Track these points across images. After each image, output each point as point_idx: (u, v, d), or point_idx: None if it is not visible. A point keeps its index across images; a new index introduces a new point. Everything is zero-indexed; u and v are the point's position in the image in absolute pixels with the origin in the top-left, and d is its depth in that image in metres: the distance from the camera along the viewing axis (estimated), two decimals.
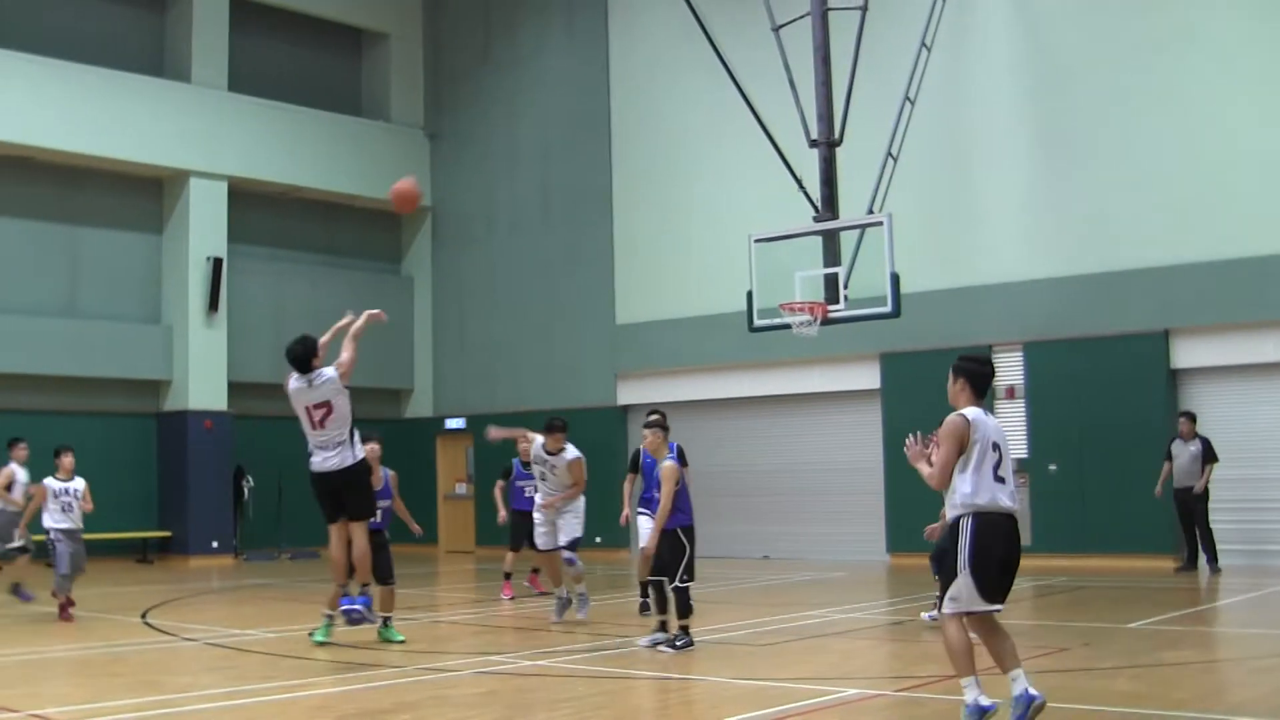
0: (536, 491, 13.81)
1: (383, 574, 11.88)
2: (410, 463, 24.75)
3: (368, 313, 11.72)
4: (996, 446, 7.12)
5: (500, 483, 16.49)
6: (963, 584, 7.03)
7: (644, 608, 13.58)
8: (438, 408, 28.37)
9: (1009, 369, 20.60)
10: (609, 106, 25.56)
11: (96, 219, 24.79)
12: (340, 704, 8.93)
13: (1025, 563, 18.81)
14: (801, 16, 19.76)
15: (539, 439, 13.45)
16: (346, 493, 11.46)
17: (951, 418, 7.16)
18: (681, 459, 11.96)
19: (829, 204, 19.06)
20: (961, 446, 7.06)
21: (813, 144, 19.30)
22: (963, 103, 21.15)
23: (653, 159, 24.83)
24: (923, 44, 19.89)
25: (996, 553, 7.02)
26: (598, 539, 19.91)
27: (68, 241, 24.42)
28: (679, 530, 11.12)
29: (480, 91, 27.61)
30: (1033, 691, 6.92)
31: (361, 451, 11.56)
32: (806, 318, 18.27)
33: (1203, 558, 18.11)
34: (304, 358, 11.32)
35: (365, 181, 27.38)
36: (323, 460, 11.36)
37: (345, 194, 27.48)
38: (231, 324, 25.40)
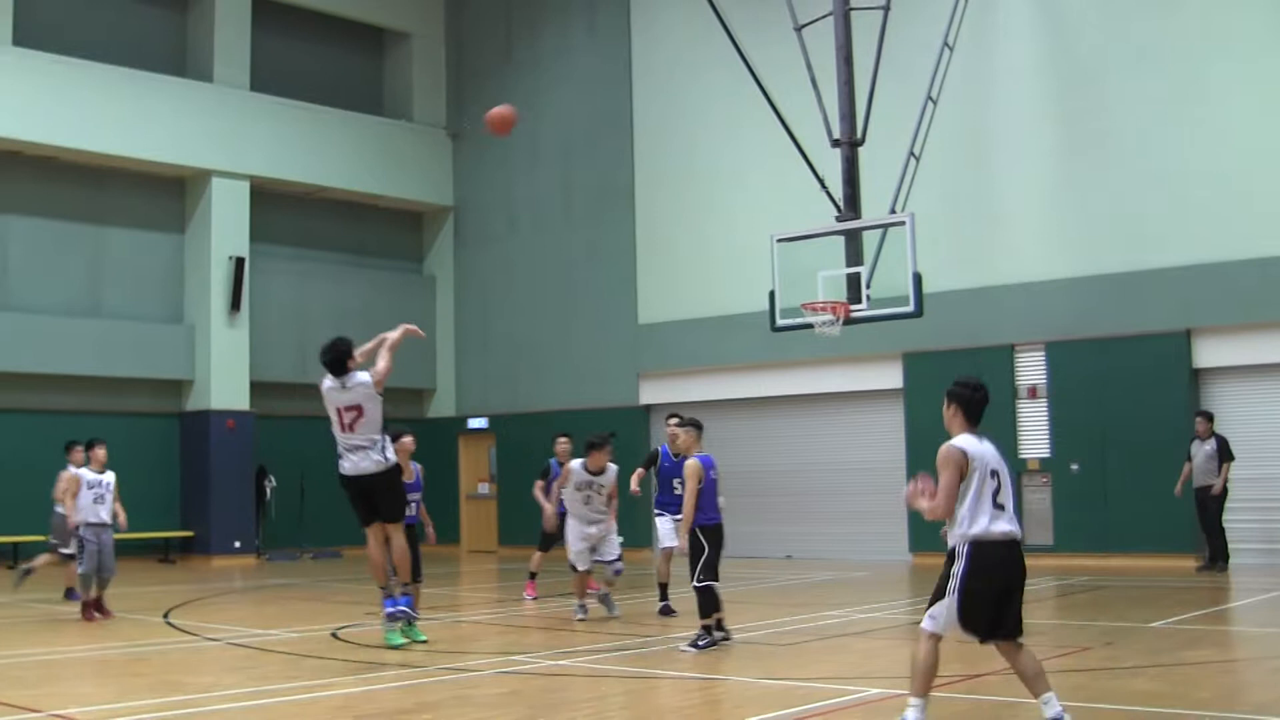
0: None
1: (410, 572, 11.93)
2: (433, 462, 24.61)
3: (405, 326, 11.83)
4: (995, 474, 6.99)
5: (539, 482, 15.99)
6: (946, 607, 6.98)
7: (665, 610, 13.58)
8: (460, 407, 28.40)
9: (1031, 369, 20.60)
10: (631, 106, 25.57)
11: (119, 219, 24.88)
12: (362, 704, 8.95)
13: (1048, 562, 18.56)
14: (824, 16, 19.74)
15: (577, 463, 13.21)
16: (379, 495, 11.50)
17: (946, 447, 7.01)
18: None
19: (851, 204, 19.04)
20: (961, 473, 6.97)
21: (835, 143, 19.27)
22: (985, 102, 21.12)
23: (674, 158, 24.84)
24: (945, 43, 19.86)
25: (995, 583, 6.91)
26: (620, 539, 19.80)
27: (91, 241, 24.52)
28: (698, 529, 11.14)
29: (502, 90, 27.59)
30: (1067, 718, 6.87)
31: (393, 455, 11.57)
32: (829, 317, 18.26)
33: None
34: (338, 361, 11.34)
35: (387, 181, 27.51)
36: (354, 464, 11.38)
37: (367, 193, 27.55)
38: (254, 324, 25.45)
